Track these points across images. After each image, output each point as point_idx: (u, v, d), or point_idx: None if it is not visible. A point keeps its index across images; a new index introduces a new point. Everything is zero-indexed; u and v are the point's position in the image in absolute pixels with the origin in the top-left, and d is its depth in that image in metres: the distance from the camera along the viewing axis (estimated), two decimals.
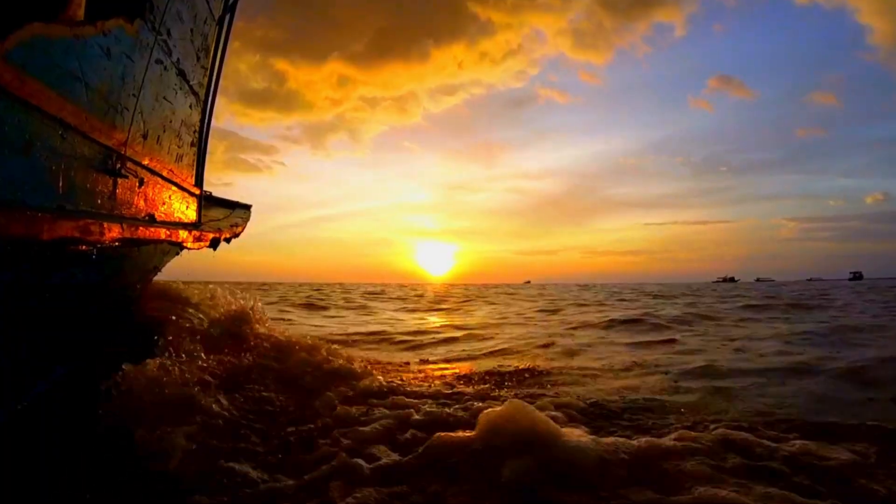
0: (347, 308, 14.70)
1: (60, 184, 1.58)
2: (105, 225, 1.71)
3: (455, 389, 3.56)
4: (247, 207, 5.13)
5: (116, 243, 1.86)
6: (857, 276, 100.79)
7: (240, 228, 4.35)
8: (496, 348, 6.09)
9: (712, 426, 2.60)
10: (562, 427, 2.39)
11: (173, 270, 3.72)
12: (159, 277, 3.71)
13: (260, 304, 5.12)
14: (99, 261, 1.92)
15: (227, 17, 3.60)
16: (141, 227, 2.10)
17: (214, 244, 3.54)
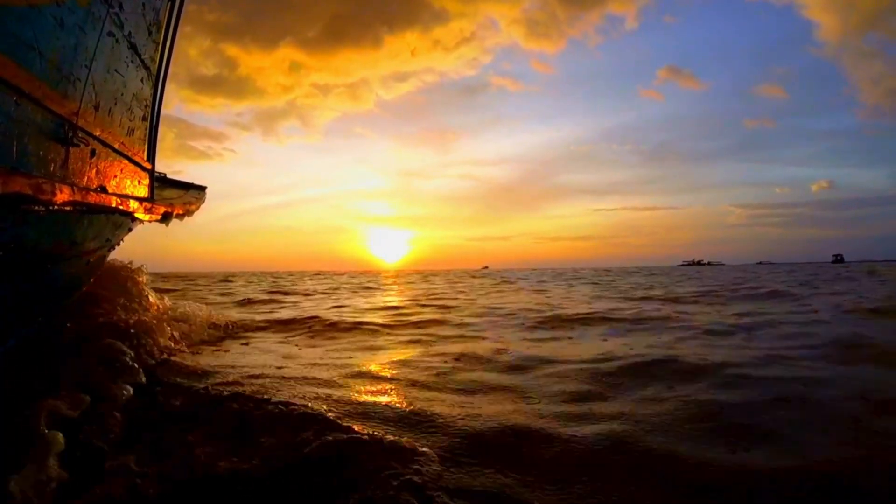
0: None
1: (14, 149, 1.66)
2: (57, 185, 1.80)
3: None
4: (202, 188, 5.15)
5: (68, 207, 1.93)
6: (838, 259, 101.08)
7: (194, 206, 4.37)
8: None
9: None
10: None
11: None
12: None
13: None
14: (51, 223, 1.99)
15: None
16: (92, 193, 2.17)
17: (166, 218, 3.57)
